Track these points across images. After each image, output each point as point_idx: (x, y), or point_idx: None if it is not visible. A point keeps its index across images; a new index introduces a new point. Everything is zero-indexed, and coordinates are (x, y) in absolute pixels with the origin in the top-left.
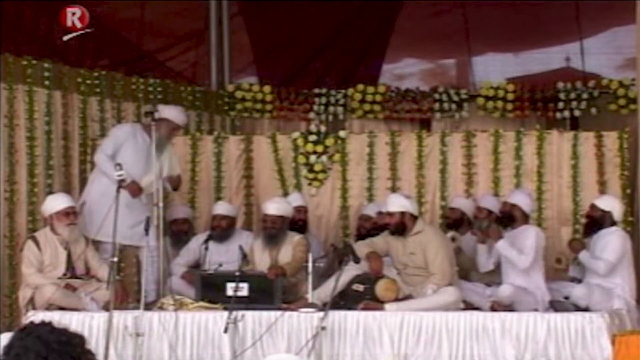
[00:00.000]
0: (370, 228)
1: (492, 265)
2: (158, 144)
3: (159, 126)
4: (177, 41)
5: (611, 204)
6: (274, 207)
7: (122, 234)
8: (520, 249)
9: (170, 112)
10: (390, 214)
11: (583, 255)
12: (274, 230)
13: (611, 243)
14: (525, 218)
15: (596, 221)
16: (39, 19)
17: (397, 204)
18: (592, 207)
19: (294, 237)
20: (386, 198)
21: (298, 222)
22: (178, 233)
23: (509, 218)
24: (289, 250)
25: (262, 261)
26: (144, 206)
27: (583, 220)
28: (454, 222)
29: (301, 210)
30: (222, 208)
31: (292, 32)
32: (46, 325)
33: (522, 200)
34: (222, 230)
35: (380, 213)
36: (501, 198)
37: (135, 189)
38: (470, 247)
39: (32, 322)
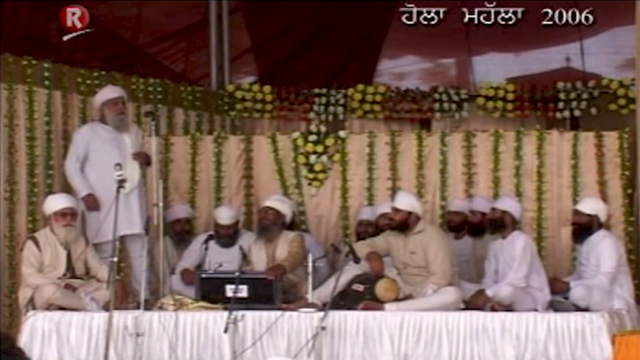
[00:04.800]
0: (372, 232)
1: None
2: (115, 126)
3: (106, 112)
4: (175, 40)
5: (594, 206)
6: (270, 200)
7: (119, 224)
8: (512, 259)
9: (102, 94)
10: (397, 210)
11: (574, 292)
12: (267, 222)
13: (606, 252)
14: (514, 224)
15: (583, 227)
16: (37, 18)
17: (406, 202)
18: (575, 213)
19: (289, 235)
20: (396, 195)
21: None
22: (180, 233)
23: (500, 225)
24: (285, 248)
25: (259, 259)
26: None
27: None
28: (457, 225)
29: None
30: (225, 216)
31: (289, 26)
32: None
33: (513, 206)
34: (229, 237)
35: (382, 215)
36: (494, 201)
37: (92, 202)
38: (469, 248)
39: None
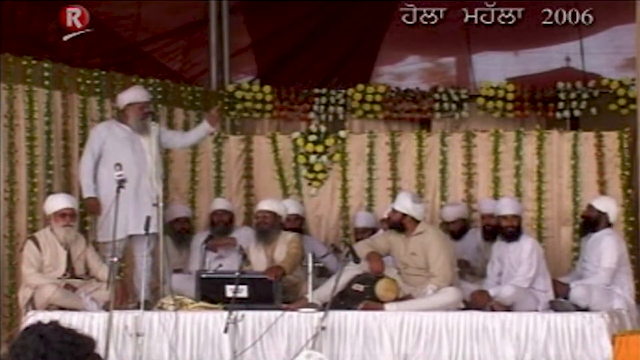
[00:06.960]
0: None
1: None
2: (137, 129)
3: (129, 114)
4: (174, 38)
5: (608, 205)
6: (266, 203)
7: (130, 224)
8: (518, 262)
9: (129, 95)
10: (394, 211)
11: (574, 292)
12: (265, 226)
13: (607, 249)
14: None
15: (592, 222)
16: (36, 18)
17: (402, 204)
18: (589, 207)
19: (287, 236)
20: (397, 195)
21: (290, 230)
22: (180, 232)
23: (518, 231)
24: (283, 249)
25: (258, 261)
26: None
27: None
28: (459, 231)
29: (295, 218)
30: (221, 204)
31: (289, 25)
32: (50, 324)
33: (521, 210)
34: (224, 224)
35: (382, 220)
36: (501, 200)
37: (93, 206)
38: (472, 249)
39: (38, 322)
